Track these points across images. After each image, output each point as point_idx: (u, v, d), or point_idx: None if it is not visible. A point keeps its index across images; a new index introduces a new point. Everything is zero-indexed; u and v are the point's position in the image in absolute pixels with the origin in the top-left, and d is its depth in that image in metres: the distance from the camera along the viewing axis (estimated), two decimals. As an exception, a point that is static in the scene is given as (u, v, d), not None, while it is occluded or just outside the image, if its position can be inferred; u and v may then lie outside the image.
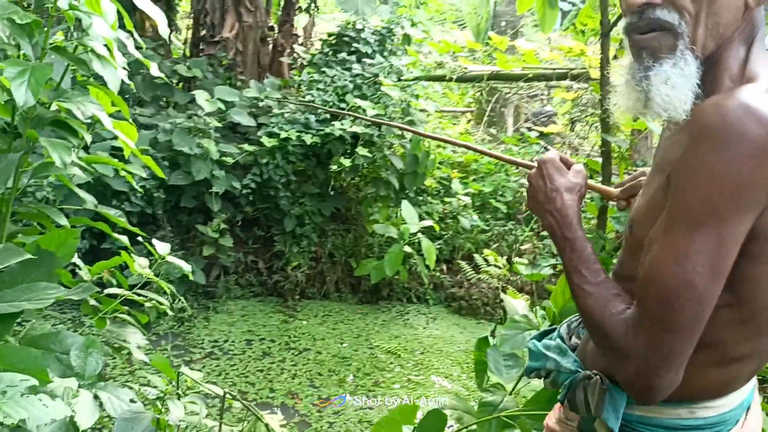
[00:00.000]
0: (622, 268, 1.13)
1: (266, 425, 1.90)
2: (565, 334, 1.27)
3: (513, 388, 1.99)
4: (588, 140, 8.75)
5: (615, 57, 2.79)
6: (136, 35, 2.10)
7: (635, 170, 1.39)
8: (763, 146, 0.85)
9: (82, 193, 2.21)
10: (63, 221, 2.08)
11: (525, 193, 1.14)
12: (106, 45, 1.89)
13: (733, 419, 1.08)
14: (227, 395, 1.87)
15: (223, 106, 5.37)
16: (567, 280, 1.07)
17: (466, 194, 6.42)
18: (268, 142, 5.23)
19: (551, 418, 1.28)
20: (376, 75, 5.58)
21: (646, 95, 1.00)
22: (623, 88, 1.05)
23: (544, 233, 6.42)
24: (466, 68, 5.89)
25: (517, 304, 1.97)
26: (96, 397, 1.69)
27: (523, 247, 6.10)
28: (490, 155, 1.45)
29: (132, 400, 1.71)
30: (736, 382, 1.07)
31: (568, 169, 1.19)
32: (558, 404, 1.27)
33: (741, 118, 0.86)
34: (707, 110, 0.90)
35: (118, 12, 1.98)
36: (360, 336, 5.27)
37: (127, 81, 2.03)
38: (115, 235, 2.33)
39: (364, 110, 5.26)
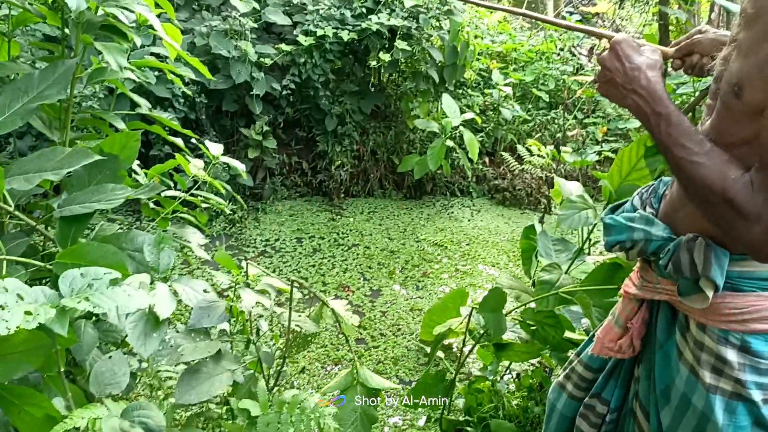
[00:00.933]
0: (720, 136, 1.09)
1: (332, 309, 2.00)
2: (639, 205, 1.30)
3: (568, 269, 2.04)
4: (631, 22, 8.42)
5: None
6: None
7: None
8: None
9: (136, 98, 2.25)
10: (121, 125, 2.13)
11: (596, 76, 1.11)
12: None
13: None
14: (295, 283, 1.96)
15: (257, 5, 5.28)
16: (668, 157, 1.06)
17: (507, 84, 6.30)
18: (304, 40, 5.16)
19: (629, 286, 1.33)
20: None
21: None
22: None
23: (589, 120, 6.31)
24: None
25: (571, 186, 1.98)
26: (171, 288, 1.80)
27: (570, 134, 6.03)
28: (572, 28, 1.41)
29: (205, 291, 1.81)
30: None
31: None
32: (635, 272, 1.32)
33: None
34: None
35: None
36: (406, 230, 5.37)
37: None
38: (171, 137, 2.39)
39: (402, 0, 5.13)
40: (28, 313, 1.30)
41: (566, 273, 1.97)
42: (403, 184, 6.05)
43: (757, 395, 1.12)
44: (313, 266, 4.63)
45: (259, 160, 5.50)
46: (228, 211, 4.94)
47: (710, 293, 1.10)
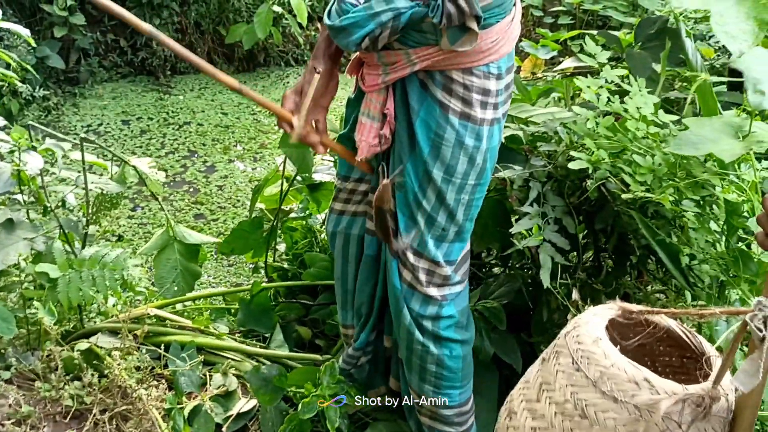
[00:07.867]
0: None
1: (134, 167, 1.91)
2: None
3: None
4: None
5: None
6: None
7: None
8: None
9: None
10: None
11: None
12: None
13: None
14: (84, 142, 1.84)
15: None
16: None
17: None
18: None
19: (371, 80, 1.36)
20: None
21: None
22: None
23: None
24: None
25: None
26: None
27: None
28: None
29: (-16, 157, 1.67)
30: None
31: None
32: (366, 68, 1.37)
33: None
34: None
35: None
36: (241, 104, 5.20)
37: None
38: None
39: None
40: None
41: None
42: (234, 56, 5.80)
43: (500, 112, 1.36)
44: (141, 147, 4.41)
45: (70, 39, 5.03)
46: (37, 96, 4.54)
47: (476, 27, 1.20)
